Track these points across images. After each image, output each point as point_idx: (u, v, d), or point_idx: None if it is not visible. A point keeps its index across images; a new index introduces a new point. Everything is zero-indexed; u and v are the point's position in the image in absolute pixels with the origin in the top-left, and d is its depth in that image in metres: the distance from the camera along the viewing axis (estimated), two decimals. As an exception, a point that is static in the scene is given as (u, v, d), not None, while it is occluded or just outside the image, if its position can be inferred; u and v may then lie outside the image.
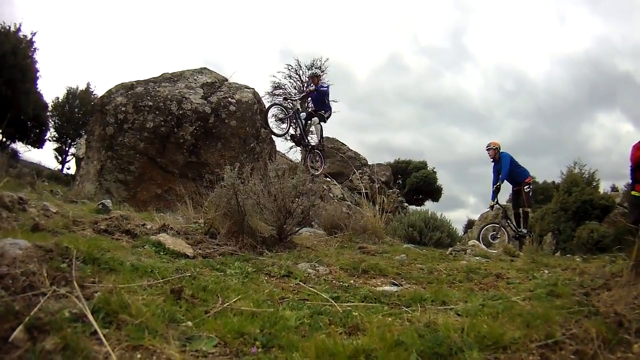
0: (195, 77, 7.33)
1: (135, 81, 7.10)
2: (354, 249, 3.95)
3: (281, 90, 19.82)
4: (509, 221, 7.80)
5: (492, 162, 7.71)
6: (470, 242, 6.37)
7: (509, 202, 8.76)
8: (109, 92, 6.87)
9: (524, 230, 7.52)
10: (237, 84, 7.60)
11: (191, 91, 6.78)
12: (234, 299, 1.80)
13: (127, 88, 6.87)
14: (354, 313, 1.84)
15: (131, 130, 6.36)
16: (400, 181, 14.48)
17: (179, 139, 6.34)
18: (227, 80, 7.63)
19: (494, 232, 7.55)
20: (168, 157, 6.40)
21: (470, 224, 20.06)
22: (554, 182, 22.59)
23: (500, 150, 7.65)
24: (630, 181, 6.42)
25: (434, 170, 23.12)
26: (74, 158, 20.02)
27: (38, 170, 14.37)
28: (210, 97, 6.77)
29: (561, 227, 12.56)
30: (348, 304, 2.01)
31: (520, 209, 7.70)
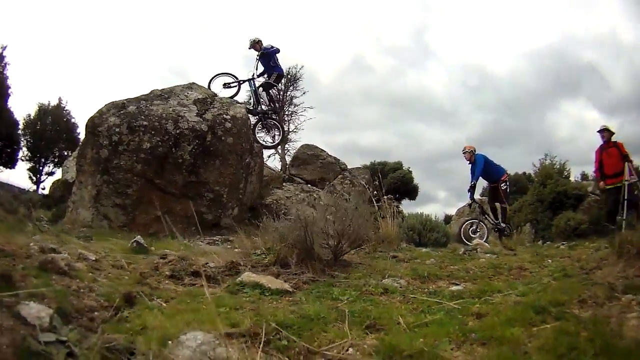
0: (186, 94, 7.35)
1: (126, 99, 7.04)
2: (388, 259, 4.27)
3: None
4: (486, 215, 8.31)
5: (469, 163, 8.18)
6: (475, 242, 6.76)
7: (483, 197, 9.31)
8: (100, 112, 6.78)
9: (503, 224, 8.06)
10: (226, 99, 7.72)
11: (185, 109, 6.82)
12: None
13: (118, 107, 6.81)
14: (470, 307, 2.34)
15: (127, 152, 6.33)
16: (377, 182, 14.84)
17: (177, 158, 6.39)
18: (216, 95, 7.73)
19: (474, 227, 7.99)
20: (167, 177, 6.40)
21: (447, 219, 20.74)
22: (524, 172, 23.58)
23: (475, 152, 8.15)
24: (599, 176, 7.76)
25: (410, 170, 23.72)
26: (56, 179, 19.40)
27: (15, 194, 13.84)
28: (204, 114, 6.84)
29: (539, 217, 13.24)
30: (453, 302, 2.48)
31: (497, 203, 8.23)
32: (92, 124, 6.65)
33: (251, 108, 8.93)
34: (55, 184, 15.38)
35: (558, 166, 17.50)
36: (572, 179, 18.34)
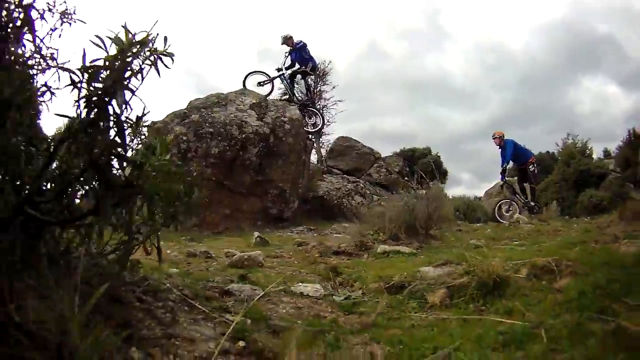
0: (241, 99, 8.00)
1: (186, 109, 7.69)
2: (457, 232, 5.55)
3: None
4: (517, 195, 9.10)
5: (499, 148, 8.95)
6: (515, 216, 7.68)
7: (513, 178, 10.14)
8: (164, 122, 7.39)
9: (532, 203, 8.87)
10: (278, 101, 8.57)
11: (244, 114, 7.56)
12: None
13: (181, 117, 7.42)
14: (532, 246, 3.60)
15: (196, 158, 6.91)
16: (407, 169, 15.61)
17: (245, 160, 7.08)
18: (266, 98, 8.53)
19: (507, 206, 8.81)
20: (235, 179, 7.07)
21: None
22: (548, 151, 23.93)
23: (505, 138, 8.91)
24: None
25: (438, 154, 24.46)
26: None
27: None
28: (264, 117, 7.65)
29: (564, 195, 13.92)
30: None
31: (525, 184, 9.01)
32: (158, 134, 7.40)
33: (288, 99, 9.73)
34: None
35: (580, 145, 17.95)
36: (594, 156, 18.81)
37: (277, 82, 9.91)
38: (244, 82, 9.32)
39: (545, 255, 2.49)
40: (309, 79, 10.11)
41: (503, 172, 9.02)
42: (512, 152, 8.77)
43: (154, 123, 7.26)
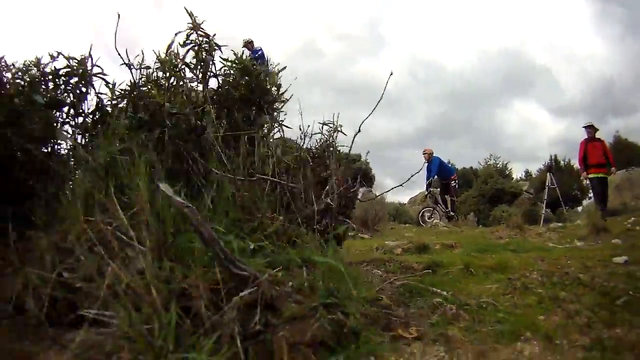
0: None
1: None
2: (390, 230, 7.30)
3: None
4: (439, 205, 10.79)
5: (426, 163, 10.54)
6: (434, 222, 9.39)
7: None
8: None
9: (452, 213, 10.60)
10: None
11: None
12: None
13: None
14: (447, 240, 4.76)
15: None
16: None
17: None
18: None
19: (429, 213, 10.46)
20: None
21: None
22: (471, 167, 26.33)
23: (433, 155, 10.56)
24: (583, 167, 8.46)
25: (368, 161, 26.06)
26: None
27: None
28: None
29: (480, 208, 16.19)
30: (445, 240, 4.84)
31: (447, 196, 10.74)
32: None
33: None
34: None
35: (500, 166, 20.61)
36: (515, 175, 21.75)
37: None
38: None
39: (450, 240, 4.53)
40: None
41: (428, 185, 10.66)
42: (438, 168, 10.43)
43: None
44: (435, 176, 10.60)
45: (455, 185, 10.77)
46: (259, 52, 9.99)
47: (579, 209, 16.61)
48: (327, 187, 2.37)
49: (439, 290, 2.33)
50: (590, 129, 8.49)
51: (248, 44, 10.33)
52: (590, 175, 8.29)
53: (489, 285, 2.53)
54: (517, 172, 23.61)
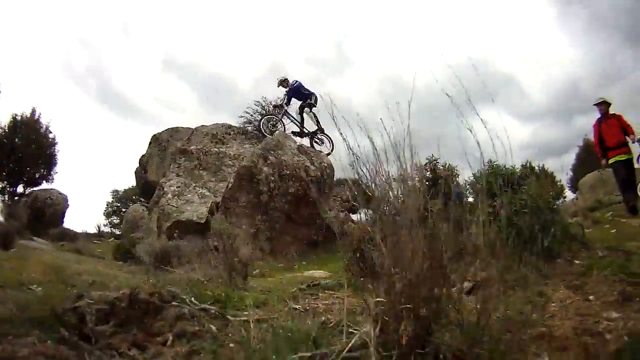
0: (286, 143, 9.29)
1: (261, 149, 8.81)
2: None
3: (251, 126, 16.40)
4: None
5: None
6: None
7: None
8: (254, 162, 8.47)
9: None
10: (313, 150, 10.27)
11: (301, 158, 8.97)
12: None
13: (263, 157, 8.57)
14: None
15: (278, 196, 8.26)
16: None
17: (308, 197, 8.34)
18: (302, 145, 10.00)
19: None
20: (299, 212, 8.48)
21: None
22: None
23: None
24: (601, 153, 7.00)
25: (346, 179, 26.65)
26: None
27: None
28: (313, 163, 9.14)
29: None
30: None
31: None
32: (250, 173, 8.33)
33: (299, 132, 10.80)
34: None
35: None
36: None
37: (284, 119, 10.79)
38: (259, 127, 10.66)
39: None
40: (313, 110, 10.82)
41: None
42: None
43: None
44: None
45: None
46: (296, 85, 10.57)
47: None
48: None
49: None
50: (602, 105, 7.05)
51: (283, 82, 10.77)
52: (610, 161, 6.87)
53: None
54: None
